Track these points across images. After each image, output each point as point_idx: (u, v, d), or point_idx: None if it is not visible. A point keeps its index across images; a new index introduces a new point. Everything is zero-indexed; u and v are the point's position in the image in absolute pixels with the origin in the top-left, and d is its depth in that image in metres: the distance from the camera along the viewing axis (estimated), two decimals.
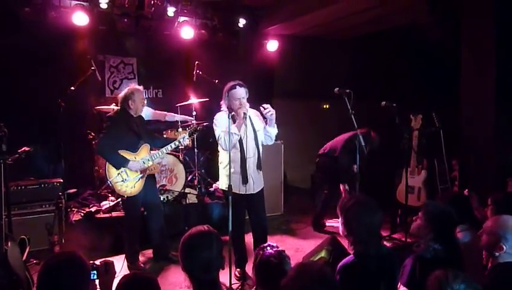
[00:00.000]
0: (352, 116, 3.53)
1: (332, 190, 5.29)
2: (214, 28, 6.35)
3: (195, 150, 5.68)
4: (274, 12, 6.45)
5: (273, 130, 3.80)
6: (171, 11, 5.74)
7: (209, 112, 5.07)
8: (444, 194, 4.50)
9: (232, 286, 3.45)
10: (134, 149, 4.00)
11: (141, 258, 4.29)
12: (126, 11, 5.61)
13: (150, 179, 4.12)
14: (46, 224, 4.22)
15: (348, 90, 3.57)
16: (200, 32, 6.13)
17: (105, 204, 4.96)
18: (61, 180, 4.69)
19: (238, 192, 3.61)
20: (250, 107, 3.69)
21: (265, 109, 3.60)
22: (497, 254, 2.29)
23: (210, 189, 5.77)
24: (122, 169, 3.90)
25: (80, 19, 5.24)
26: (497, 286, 2.24)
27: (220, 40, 6.44)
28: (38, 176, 4.83)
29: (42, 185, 4.55)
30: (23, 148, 3.82)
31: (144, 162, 4.00)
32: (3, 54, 5.04)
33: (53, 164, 5.39)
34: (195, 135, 4.39)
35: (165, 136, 5.30)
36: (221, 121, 3.68)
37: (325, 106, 8.13)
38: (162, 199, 4.92)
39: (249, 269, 3.29)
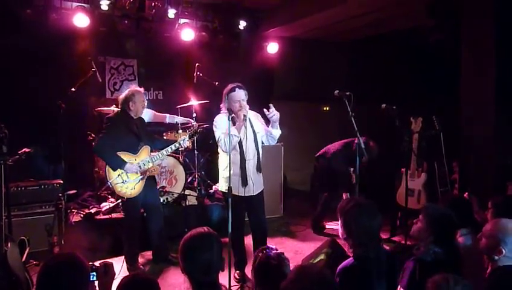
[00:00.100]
0: (352, 119, 3.51)
1: (332, 193, 5.28)
2: (214, 30, 6.37)
3: (195, 152, 5.68)
4: (274, 14, 6.46)
5: (277, 132, 3.79)
6: (171, 13, 5.75)
7: (209, 113, 5.09)
8: (444, 197, 4.49)
9: (232, 288, 3.46)
10: (134, 151, 4.00)
11: (141, 260, 4.29)
12: (127, 12, 5.62)
13: (150, 180, 4.12)
14: (46, 225, 4.22)
15: (348, 93, 3.56)
16: (200, 34, 6.15)
17: (105, 205, 4.96)
18: (61, 182, 4.68)
19: (237, 194, 3.60)
20: (250, 109, 3.68)
21: (269, 111, 3.58)
22: (496, 257, 2.28)
23: (210, 191, 5.76)
24: (122, 170, 3.90)
25: (81, 20, 5.25)
26: None
27: (220, 42, 6.47)
28: (38, 177, 4.81)
29: (42, 186, 4.54)
30: (23, 150, 3.82)
31: (141, 166, 3.98)
32: (4, 54, 5.04)
33: (53, 165, 5.39)
34: (195, 137, 4.40)
35: (165, 137, 5.30)
36: (221, 123, 3.69)
37: (325, 108, 8.13)
38: (161, 200, 4.92)
39: (249, 271, 3.29)
